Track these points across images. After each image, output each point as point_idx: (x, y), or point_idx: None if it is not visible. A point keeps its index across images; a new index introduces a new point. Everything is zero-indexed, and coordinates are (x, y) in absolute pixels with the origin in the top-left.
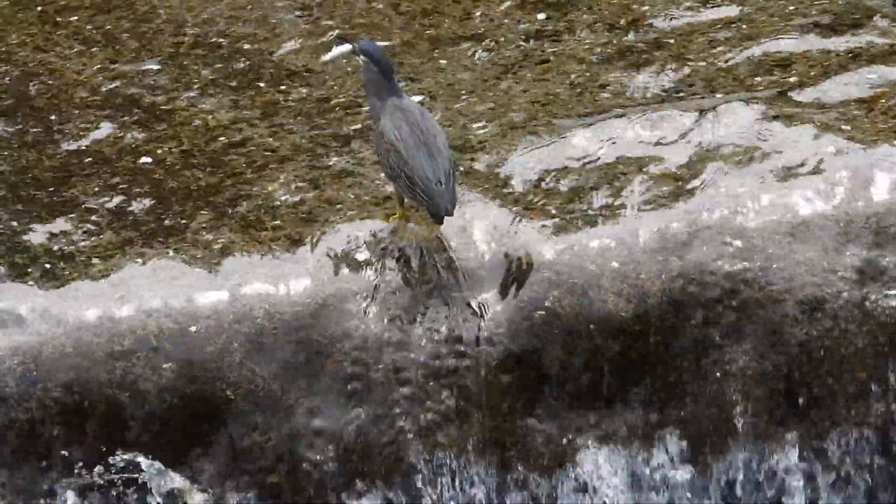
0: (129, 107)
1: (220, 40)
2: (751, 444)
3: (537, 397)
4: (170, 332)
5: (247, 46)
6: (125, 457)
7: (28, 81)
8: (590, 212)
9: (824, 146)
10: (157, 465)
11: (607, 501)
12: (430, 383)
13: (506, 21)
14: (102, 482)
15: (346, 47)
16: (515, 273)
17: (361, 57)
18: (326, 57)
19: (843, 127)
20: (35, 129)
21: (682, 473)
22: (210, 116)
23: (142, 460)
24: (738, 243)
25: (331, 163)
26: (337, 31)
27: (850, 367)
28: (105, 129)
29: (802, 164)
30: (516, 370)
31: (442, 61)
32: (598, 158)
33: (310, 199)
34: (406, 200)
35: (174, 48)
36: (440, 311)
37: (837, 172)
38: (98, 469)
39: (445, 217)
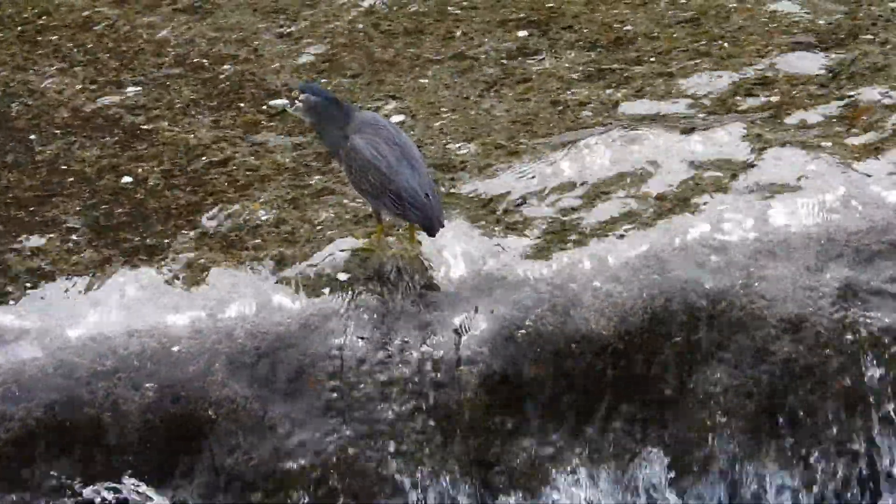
0: (110, 126)
1: (202, 60)
2: (733, 461)
3: (519, 416)
4: (152, 352)
5: (228, 66)
6: (108, 477)
7: (8, 101)
8: (571, 231)
9: (805, 164)
10: (140, 485)
11: None
12: (412, 402)
13: (486, 39)
14: (84, 502)
15: (283, 102)
16: (497, 292)
17: (304, 97)
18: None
19: (823, 144)
20: (16, 150)
21: (665, 491)
22: (191, 136)
23: (125, 480)
24: (719, 261)
25: (312, 182)
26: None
27: (831, 384)
28: (86, 148)
29: (783, 182)
30: (498, 389)
31: (423, 80)
32: (579, 177)
33: (291, 219)
34: (388, 218)
35: (156, 68)
36: (422, 330)
37: (818, 190)
38: (80, 489)
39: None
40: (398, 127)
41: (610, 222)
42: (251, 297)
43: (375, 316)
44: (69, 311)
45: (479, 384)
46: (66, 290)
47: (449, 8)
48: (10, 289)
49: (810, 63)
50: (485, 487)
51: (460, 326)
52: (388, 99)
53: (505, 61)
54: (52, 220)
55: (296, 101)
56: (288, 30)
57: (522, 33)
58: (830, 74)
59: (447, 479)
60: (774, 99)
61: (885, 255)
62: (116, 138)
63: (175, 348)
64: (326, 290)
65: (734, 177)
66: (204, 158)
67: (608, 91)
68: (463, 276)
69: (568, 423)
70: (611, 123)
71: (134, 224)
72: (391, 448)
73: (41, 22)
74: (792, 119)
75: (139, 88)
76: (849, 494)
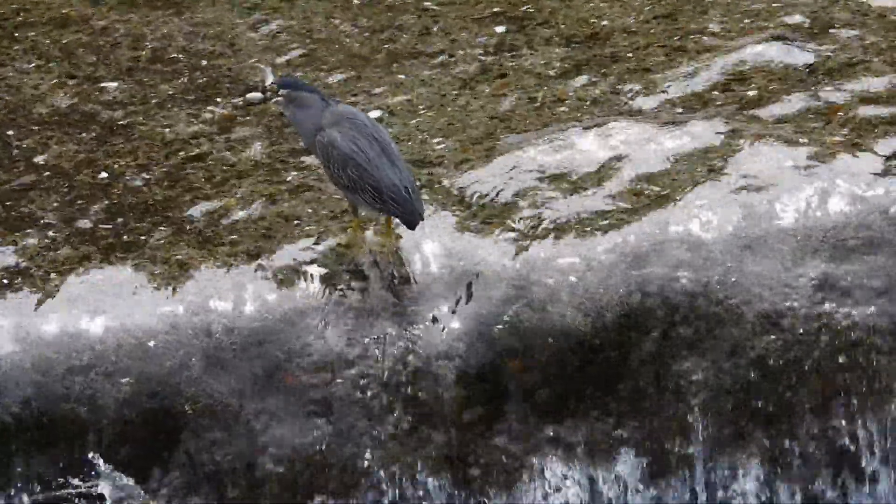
0: (87, 122)
1: (179, 56)
2: (710, 457)
3: (496, 411)
4: (128, 348)
5: (205, 62)
6: (85, 472)
7: None
8: (548, 226)
9: (782, 159)
10: (117, 479)
11: None
12: (389, 398)
13: (464, 35)
14: (62, 497)
15: (259, 95)
16: (474, 288)
17: (286, 92)
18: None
19: (801, 140)
20: None
21: (642, 487)
22: (168, 131)
23: (101, 475)
24: (696, 256)
25: (289, 178)
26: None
27: (808, 380)
28: (63, 144)
29: (760, 177)
30: (475, 385)
31: (400, 76)
32: (557, 173)
33: (268, 215)
34: (364, 212)
35: (132, 63)
36: (398, 325)
37: (795, 185)
38: (57, 484)
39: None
40: (376, 122)
41: (587, 217)
42: (228, 293)
43: (352, 311)
44: (46, 306)
45: (456, 379)
46: (43, 286)
47: (426, 4)
48: None
49: (787, 58)
50: (461, 482)
51: (437, 322)
52: (365, 95)
53: (482, 57)
54: (29, 216)
55: (275, 95)
56: (265, 25)
57: (499, 29)
58: (807, 69)
59: (424, 474)
60: (751, 94)
61: (862, 251)
62: (93, 134)
63: (151, 343)
64: (303, 286)
65: (711, 172)
66: (181, 154)
67: (585, 87)
68: (440, 270)
69: (544, 419)
70: (588, 119)
71: (111, 220)
72: (368, 443)
73: (19, 18)
74: (769, 114)
75: (116, 84)
76: (826, 490)
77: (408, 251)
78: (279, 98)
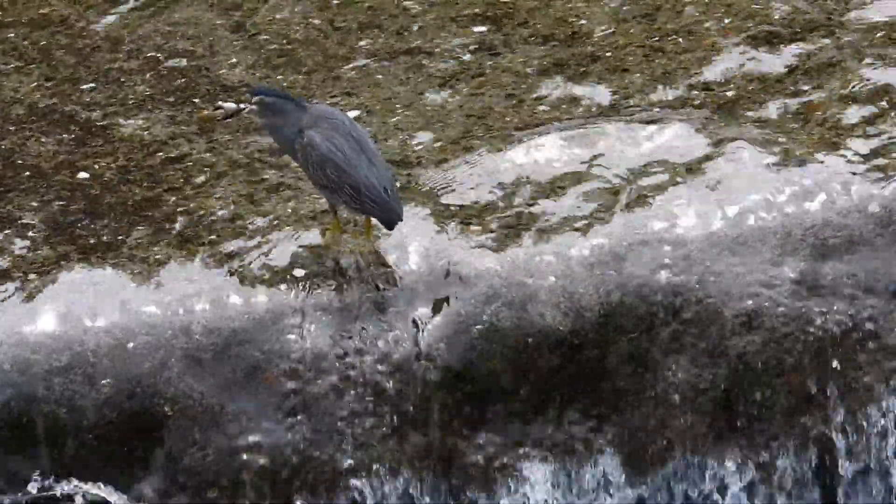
0: (66, 123)
1: (157, 56)
2: (690, 457)
3: (476, 412)
4: (108, 348)
5: (183, 63)
6: (65, 472)
7: None
8: (527, 226)
9: (762, 159)
10: (96, 481)
11: None
12: (369, 399)
13: (442, 34)
14: (40, 499)
15: (232, 106)
16: (454, 288)
17: (256, 99)
18: (221, 111)
19: (780, 139)
20: None
21: (622, 487)
22: (147, 132)
23: (81, 476)
24: (675, 256)
25: (267, 177)
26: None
27: (788, 379)
28: (42, 144)
29: (740, 177)
30: (455, 385)
31: (378, 76)
32: (536, 172)
33: (247, 214)
34: (344, 213)
35: (111, 64)
36: (378, 326)
37: (774, 185)
38: (36, 485)
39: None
40: (354, 121)
41: (566, 217)
42: (207, 293)
43: (332, 311)
44: (25, 307)
45: (436, 379)
46: (22, 286)
47: (405, 3)
48: None
49: (766, 58)
50: (442, 484)
51: (417, 322)
52: (344, 95)
53: (461, 56)
54: (8, 216)
55: (247, 105)
56: (243, 25)
57: (478, 28)
58: (786, 69)
59: (404, 475)
60: (730, 94)
61: (842, 250)
62: (73, 134)
63: (131, 344)
64: (283, 286)
65: (690, 172)
66: (160, 154)
67: (564, 86)
68: (419, 271)
69: (524, 419)
70: (566, 118)
71: (90, 220)
72: (348, 444)
73: None
74: (748, 114)
75: (95, 85)
76: (805, 490)
77: (387, 252)
78: (252, 107)
